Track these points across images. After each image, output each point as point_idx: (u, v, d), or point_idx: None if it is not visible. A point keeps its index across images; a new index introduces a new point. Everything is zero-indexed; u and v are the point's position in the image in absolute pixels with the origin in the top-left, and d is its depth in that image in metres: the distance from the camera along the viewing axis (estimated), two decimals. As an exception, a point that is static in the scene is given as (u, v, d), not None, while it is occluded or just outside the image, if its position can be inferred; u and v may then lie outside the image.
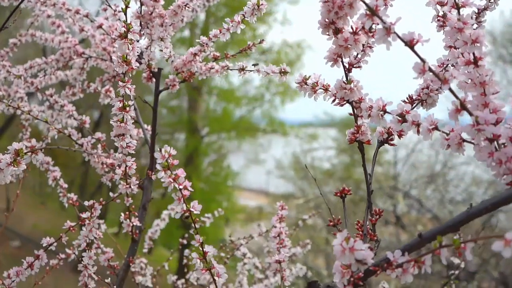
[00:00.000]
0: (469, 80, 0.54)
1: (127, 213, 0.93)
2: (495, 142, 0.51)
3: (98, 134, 1.02)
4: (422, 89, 0.66)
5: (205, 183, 10.76)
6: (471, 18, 0.70)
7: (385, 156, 9.09)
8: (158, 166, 0.59)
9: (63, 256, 1.06)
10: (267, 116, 11.38)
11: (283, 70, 0.82)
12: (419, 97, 0.66)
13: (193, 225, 0.62)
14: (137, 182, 0.89)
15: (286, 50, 10.56)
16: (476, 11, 0.71)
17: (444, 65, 0.67)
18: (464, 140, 0.53)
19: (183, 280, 1.26)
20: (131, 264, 0.96)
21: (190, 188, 0.61)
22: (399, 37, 0.48)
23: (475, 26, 0.71)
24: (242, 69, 0.94)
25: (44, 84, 1.24)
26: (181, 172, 0.61)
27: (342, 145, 9.89)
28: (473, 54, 0.52)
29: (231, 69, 0.95)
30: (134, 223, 0.94)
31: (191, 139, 10.76)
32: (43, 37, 1.22)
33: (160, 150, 0.59)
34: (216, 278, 0.63)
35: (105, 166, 0.99)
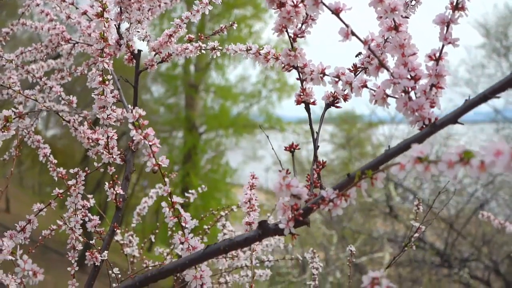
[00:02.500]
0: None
1: (111, 182, 1.02)
2: (412, 94, 0.59)
3: (85, 112, 1.11)
4: (365, 57, 0.75)
5: (204, 180, 10.84)
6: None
7: (382, 150, 9.18)
8: (130, 126, 0.68)
9: (54, 227, 1.15)
10: (264, 112, 11.47)
11: (248, 48, 0.90)
12: (362, 65, 0.75)
13: (162, 178, 0.71)
14: (119, 152, 0.97)
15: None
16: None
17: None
18: (387, 95, 0.62)
19: (168, 250, 1.36)
20: (115, 230, 1.05)
21: (158, 145, 0.70)
22: (326, 6, 0.57)
23: (413, 2, 0.79)
24: (213, 49, 1.02)
25: (36, 71, 1.32)
26: (150, 131, 0.69)
27: (340, 140, 9.98)
28: (394, 20, 0.60)
29: (204, 49, 1.04)
30: (118, 192, 1.03)
31: (189, 136, 10.85)
32: (33, 26, 1.30)
33: (132, 111, 0.68)
34: (183, 224, 0.72)
35: (90, 141, 1.08)
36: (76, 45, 1.26)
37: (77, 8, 1.15)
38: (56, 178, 1.13)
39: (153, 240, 1.45)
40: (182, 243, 0.71)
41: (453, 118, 0.54)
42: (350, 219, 7.32)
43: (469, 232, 6.25)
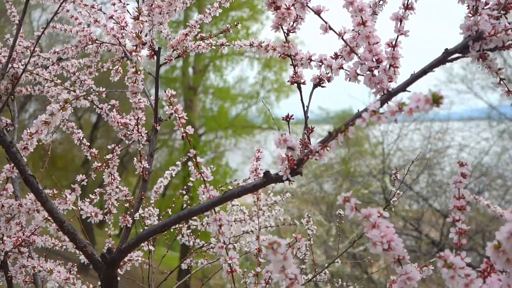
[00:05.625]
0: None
1: (138, 157, 1.23)
2: (376, 72, 0.80)
3: (113, 101, 1.31)
4: (343, 47, 0.95)
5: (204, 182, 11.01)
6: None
7: (380, 148, 9.41)
8: (163, 103, 0.89)
9: (88, 200, 1.35)
10: (262, 113, 11.68)
11: (251, 43, 1.11)
12: (341, 53, 0.95)
13: (188, 142, 0.92)
14: (146, 132, 1.18)
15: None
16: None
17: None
18: (358, 74, 0.82)
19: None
20: (143, 198, 1.25)
21: (185, 117, 0.90)
22: (310, 8, 0.78)
23: (381, 3, 1.00)
24: (222, 45, 1.23)
25: (69, 67, 1.53)
26: (179, 107, 0.90)
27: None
28: (361, 18, 0.81)
29: (214, 46, 1.25)
30: (144, 165, 1.23)
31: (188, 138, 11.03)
32: (63, 28, 1.51)
33: (165, 91, 0.88)
34: (205, 179, 0.93)
35: (119, 124, 1.28)
36: (101, 44, 1.47)
37: (104, 13, 1.35)
38: (89, 158, 1.34)
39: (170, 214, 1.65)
40: (204, 193, 0.91)
41: (402, 87, 0.75)
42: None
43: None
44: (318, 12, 0.78)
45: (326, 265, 1.47)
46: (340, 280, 1.53)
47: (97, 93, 1.34)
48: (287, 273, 0.64)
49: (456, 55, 0.73)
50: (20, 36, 1.66)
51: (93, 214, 0.86)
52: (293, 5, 0.83)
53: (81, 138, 1.38)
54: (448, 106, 9.00)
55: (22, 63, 1.49)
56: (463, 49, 0.72)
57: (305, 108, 0.93)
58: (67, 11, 1.47)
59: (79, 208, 0.91)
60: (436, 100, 0.56)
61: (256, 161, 1.20)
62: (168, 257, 1.81)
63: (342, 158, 9.75)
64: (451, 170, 7.27)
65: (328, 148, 0.77)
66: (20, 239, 1.12)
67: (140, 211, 1.55)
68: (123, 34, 1.33)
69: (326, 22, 0.78)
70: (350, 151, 9.47)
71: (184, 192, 1.70)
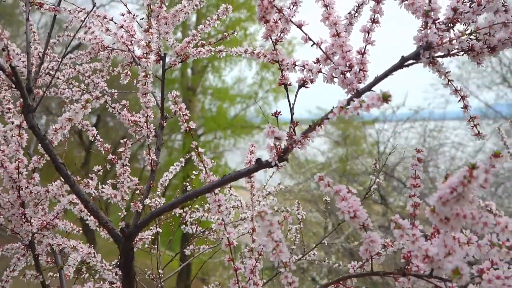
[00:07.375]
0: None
1: (147, 150, 1.39)
2: (348, 75, 0.97)
3: (124, 101, 1.48)
4: (321, 55, 1.12)
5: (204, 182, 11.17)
6: (353, 9, 1.16)
7: (377, 148, 9.59)
8: (169, 102, 1.05)
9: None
10: (261, 113, 11.85)
11: (245, 50, 1.27)
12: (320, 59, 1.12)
13: (191, 136, 1.08)
14: (154, 127, 1.34)
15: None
16: (357, 5, 1.17)
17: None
18: (333, 76, 0.99)
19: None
20: (151, 186, 1.42)
21: (188, 114, 1.07)
22: (292, 22, 0.94)
23: (356, 15, 1.16)
24: (220, 51, 1.40)
25: (84, 71, 1.69)
26: (183, 105, 1.06)
27: (336, 138, 10.38)
28: (336, 30, 0.97)
29: (213, 52, 1.41)
30: (153, 158, 1.40)
31: (187, 139, 11.23)
32: (76, 36, 1.67)
33: (170, 92, 1.05)
34: (206, 166, 1.09)
35: (130, 121, 1.45)
36: (112, 51, 1.63)
37: (115, 23, 1.52)
38: (103, 152, 1.50)
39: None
40: (205, 178, 1.08)
41: (368, 88, 0.91)
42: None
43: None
44: (299, 26, 0.95)
45: (314, 246, 1.64)
46: (329, 262, 1.68)
47: (110, 94, 1.51)
48: (273, 237, 0.81)
49: (411, 61, 0.89)
50: (36, 42, 1.83)
51: (112, 195, 1.03)
52: (279, 19, 1.00)
53: (95, 135, 1.55)
54: (443, 105, 9.17)
55: (42, 68, 1.65)
56: (415, 56, 0.88)
57: (291, 106, 1.09)
58: (81, 21, 1.63)
59: (100, 191, 1.08)
60: (385, 98, 0.73)
61: (250, 154, 1.37)
62: (167, 255, 1.97)
63: (339, 157, 9.91)
64: (446, 168, 7.44)
65: (308, 138, 0.94)
66: (44, 222, 1.28)
67: (147, 201, 1.71)
68: (132, 41, 1.49)
69: (306, 34, 0.95)
70: (348, 151, 9.63)
71: (188, 184, 1.87)
